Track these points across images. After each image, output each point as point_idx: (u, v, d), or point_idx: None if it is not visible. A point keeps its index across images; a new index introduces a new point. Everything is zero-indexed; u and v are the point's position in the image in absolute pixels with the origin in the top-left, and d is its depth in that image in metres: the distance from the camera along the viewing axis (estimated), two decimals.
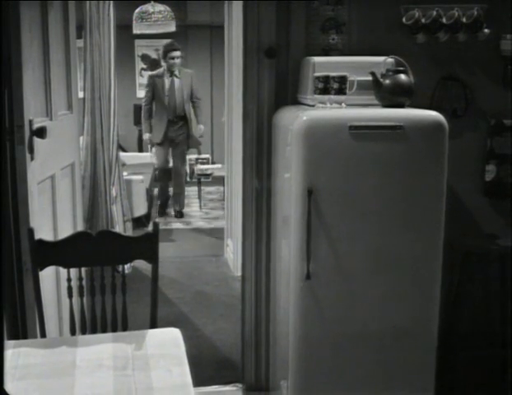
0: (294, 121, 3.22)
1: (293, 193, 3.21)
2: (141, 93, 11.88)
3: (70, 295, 2.92)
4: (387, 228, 3.26)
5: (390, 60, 3.53)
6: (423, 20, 3.79)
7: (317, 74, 3.43)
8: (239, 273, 5.26)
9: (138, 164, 9.19)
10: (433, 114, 3.25)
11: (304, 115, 3.20)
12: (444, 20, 3.79)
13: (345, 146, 3.16)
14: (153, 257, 2.93)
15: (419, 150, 3.23)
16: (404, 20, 3.81)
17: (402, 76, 3.43)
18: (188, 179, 11.58)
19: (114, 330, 2.95)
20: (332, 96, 3.39)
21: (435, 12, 3.76)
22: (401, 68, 3.46)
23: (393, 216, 3.25)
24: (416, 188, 3.25)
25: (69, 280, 2.92)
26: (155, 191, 9.55)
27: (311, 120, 3.19)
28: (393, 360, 3.35)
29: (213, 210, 9.79)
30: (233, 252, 6.60)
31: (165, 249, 5.49)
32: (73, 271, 2.97)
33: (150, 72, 9.27)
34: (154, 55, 11.97)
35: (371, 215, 3.23)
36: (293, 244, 3.22)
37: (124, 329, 2.96)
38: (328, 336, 3.30)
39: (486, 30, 3.82)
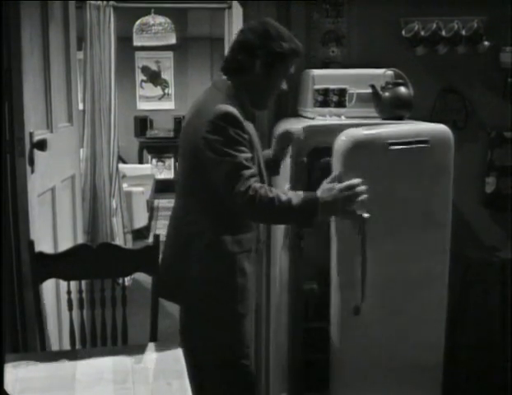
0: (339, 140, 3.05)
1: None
2: (141, 105, 11.93)
3: (70, 308, 2.91)
4: (412, 244, 3.17)
5: (390, 73, 3.54)
6: (423, 33, 3.80)
7: (317, 87, 3.44)
8: None
9: (138, 176, 9.20)
10: (443, 128, 3.22)
11: (343, 135, 3.01)
12: (443, 33, 3.80)
13: (382, 164, 3.04)
14: (154, 270, 2.93)
15: (436, 163, 3.19)
16: (404, 32, 3.83)
17: (402, 89, 3.44)
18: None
19: (114, 343, 2.95)
20: (331, 109, 3.40)
21: (434, 25, 3.77)
22: (400, 81, 3.46)
23: (418, 233, 3.17)
24: (434, 203, 3.21)
25: (69, 292, 2.92)
26: (155, 202, 9.53)
27: (352, 140, 3.00)
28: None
29: None
30: None
31: None
32: (73, 284, 2.97)
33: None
34: (154, 67, 12.00)
35: (398, 234, 3.13)
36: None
37: (124, 342, 2.95)
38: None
39: (485, 43, 3.83)
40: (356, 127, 3.10)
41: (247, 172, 2.62)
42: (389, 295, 3.13)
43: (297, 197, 2.63)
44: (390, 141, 3.02)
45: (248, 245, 2.85)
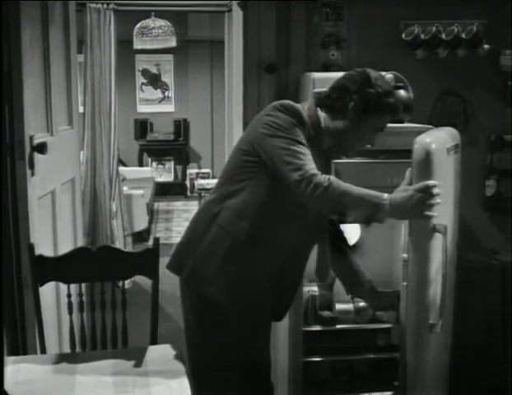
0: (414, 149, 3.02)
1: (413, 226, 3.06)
2: (141, 108, 11.93)
3: (70, 311, 2.91)
4: None
5: (390, 76, 3.54)
6: (423, 36, 3.80)
7: (317, 90, 3.44)
8: None
9: (138, 179, 9.18)
10: (456, 131, 3.25)
11: (416, 143, 2.98)
12: (443, 36, 3.80)
13: (443, 168, 3.04)
14: (153, 273, 2.93)
15: (457, 166, 3.26)
16: (404, 36, 3.83)
17: (402, 92, 3.44)
18: (188, 194, 11.60)
19: (115, 346, 2.94)
20: None
21: (434, 28, 3.78)
22: (400, 84, 3.47)
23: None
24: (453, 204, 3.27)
25: (69, 295, 2.92)
26: (155, 205, 9.52)
27: (427, 147, 2.97)
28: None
29: None
30: None
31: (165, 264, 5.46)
32: (73, 287, 2.97)
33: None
34: (154, 70, 12.00)
35: None
36: None
37: (124, 345, 2.95)
38: None
39: (485, 46, 3.83)
40: None
41: (307, 158, 2.58)
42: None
43: (362, 190, 2.57)
44: (448, 146, 3.05)
45: None
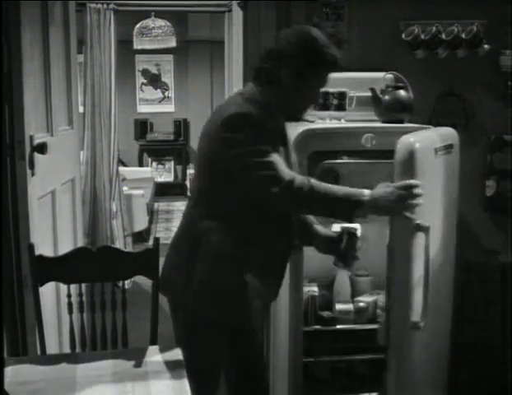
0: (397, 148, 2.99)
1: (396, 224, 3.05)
2: (141, 108, 11.93)
3: (70, 311, 2.91)
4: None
5: (390, 76, 3.54)
6: (423, 36, 3.80)
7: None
8: None
9: (138, 179, 9.18)
10: (454, 131, 3.24)
11: (399, 143, 2.96)
12: (443, 36, 3.80)
13: (431, 169, 3.03)
14: (153, 273, 2.93)
15: (455, 166, 3.25)
16: (404, 36, 3.83)
17: (402, 92, 3.44)
18: (188, 194, 11.58)
19: (115, 346, 2.94)
20: (331, 112, 3.40)
21: (434, 28, 3.78)
22: (400, 84, 3.47)
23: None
24: (449, 204, 3.25)
25: (69, 296, 2.91)
26: (155, 205, 9.52)
27: (410, 147, 2.96)
28: None
29: None
30: None
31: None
32: (73, 287, 2.97)
33: None
34: (154, 70, 12.00)
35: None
36: None
37: (124, 345, 2.95)
38: None
39: (485, 46, 3.83)
40: (357, 130, 3.12)
41: (280, 166, 2.53)
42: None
43: (341, 189, 2.57)
44: (436, 146, 3.03)
45: None
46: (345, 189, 2.56)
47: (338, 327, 3.60)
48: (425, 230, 2.86)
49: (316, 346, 3.59)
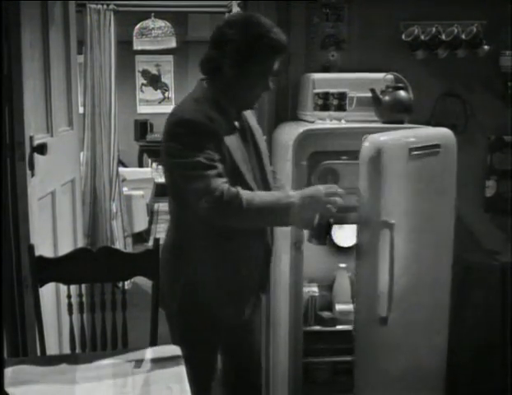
0: (363, 147, 2.93)
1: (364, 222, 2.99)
2: (141, 108, 11.93)
3: (70, 312, 2.91)
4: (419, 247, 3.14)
5: (390, 77, 3.54)
6: (423, 37, 3.80)
7: (316, 90, 3.44)
8: None
9: (139, 180, 9.20)
10: (448, 132, 3.21)
11: (367, 141, 2.91)
12: (443, 37, 3.80)
13: (404, 169, 2.98)
14: (153, 274, 2.92)
15: (444, 167, 3.19)
16: (404, 36, 3.83)
17: (402, 93, 3.44)
18: None
19: (115, 346, 2.94)
20: (331, 113, 3.40)
21: (434, 29, 3.78)
22: (400, 85, 3.47)
23: (427, 238, 3.13)
24: (441, 205, 3.20)
25: (69, 296, 2.91)
26: (155, 206, 9.52)
27: (376, 146, 2.89)
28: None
29: None
30: None
31: None
32: (73, 288, 2.97)
33: None
34: (154, 71, 12.01)
35: (412, 240, 3.08)
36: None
37: (124, 345, 2.95)
38: None
39: (485, 47, 3.83)
40: (357, 131, 3.10)
41: (211, 172, 2.48)
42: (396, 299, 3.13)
43: (269, 196, 2.56)
44: (412, 146, 2.98)
45: None
46: (272, 196, 2.56)
47: (338, 327, 3.60)
48: (390, 226, 2.83)
49: (316, 346, 3.59)
